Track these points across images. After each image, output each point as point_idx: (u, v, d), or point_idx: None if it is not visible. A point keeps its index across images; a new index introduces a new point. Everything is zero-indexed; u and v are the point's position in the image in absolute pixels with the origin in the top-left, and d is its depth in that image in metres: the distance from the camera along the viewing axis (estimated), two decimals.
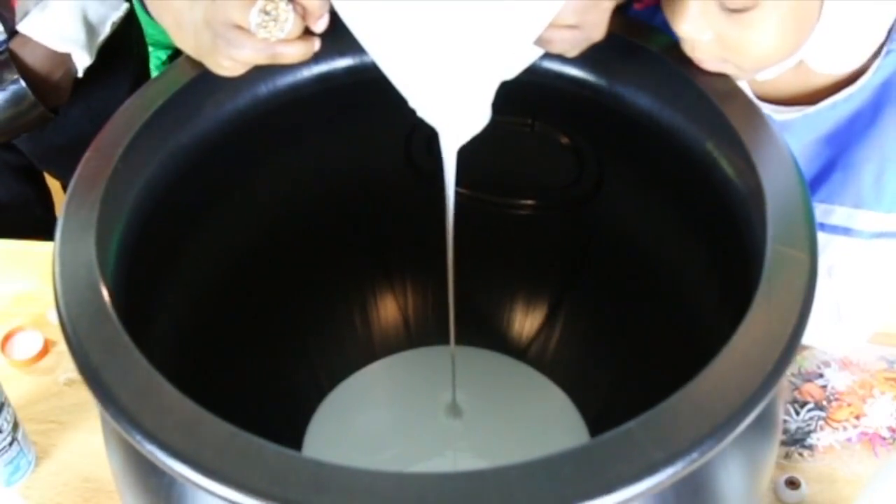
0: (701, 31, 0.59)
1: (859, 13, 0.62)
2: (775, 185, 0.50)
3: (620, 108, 0.63)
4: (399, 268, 0.83)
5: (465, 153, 0.75)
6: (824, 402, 0.71)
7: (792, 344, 0.44)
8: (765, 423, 0.51)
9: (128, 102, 0.57)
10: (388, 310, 0.85)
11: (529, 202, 0.75)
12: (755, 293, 0.46)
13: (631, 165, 0.69)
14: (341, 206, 0.75)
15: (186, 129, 0.59)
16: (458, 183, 0.77)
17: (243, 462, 0.40)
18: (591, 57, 0.64)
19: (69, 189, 0.52)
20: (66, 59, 1.02)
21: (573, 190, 0.73)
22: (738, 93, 0.57)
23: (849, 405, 0.71)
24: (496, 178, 0.75)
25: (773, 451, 0.55)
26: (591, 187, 0.72)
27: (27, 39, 1.00)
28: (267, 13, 0.53)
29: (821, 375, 0.73)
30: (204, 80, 0.59)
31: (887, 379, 0.74)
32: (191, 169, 0.59)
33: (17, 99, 0.99)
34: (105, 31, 1.08)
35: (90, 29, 1.06)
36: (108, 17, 1.09)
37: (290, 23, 0.54)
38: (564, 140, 0.71)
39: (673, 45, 0.62)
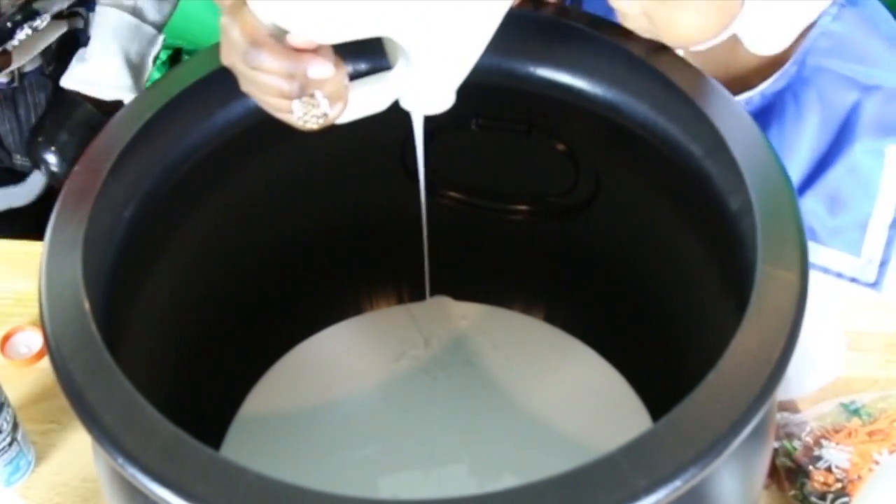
0: (630, 6, 0.63)
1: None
2: (766, 204, 0.50)
3: (616, 118, 0.63)
4: (394, 276, 0.82)
5: (462, 158, 0.75)
6: (839, 486, 0.70)
7: (779, 368, 0.44)
8: (755, 442, 0.50)
9: (117, 115, 0.56)
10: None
11: (525, 208, 0.75)
12: (743, 316, 0.45)
13: (627, 173, 0.69)
14: (335, 213, 0.75)
15: (176, 140, 0.59)
16: (454, 188, 0.77)
17: (224, 486, 0.40)
18: (586, 66, 0.64)
19: (57, 203, 0.52)
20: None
21: (569, 197, 0.72)
22: (735, 108, 0.56)
23: (859, 478, 0.70)
24: (492, 183, 0.75)
25: (765, 466, 0.54)
26: (587, 194, 0.72)
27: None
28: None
29: (819, 458, 0.71)
30: (194, 91, 0.59)
31: (872, 434, 0.72)
32: (181, 180, 0.59)
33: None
34: (149, 68, 1.09)
35: (135, 71, 1.06)
36: (149, 53, 1.09)
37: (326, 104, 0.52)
38: (561, 147, 0.70)
39: (670, 58, 0.62)
